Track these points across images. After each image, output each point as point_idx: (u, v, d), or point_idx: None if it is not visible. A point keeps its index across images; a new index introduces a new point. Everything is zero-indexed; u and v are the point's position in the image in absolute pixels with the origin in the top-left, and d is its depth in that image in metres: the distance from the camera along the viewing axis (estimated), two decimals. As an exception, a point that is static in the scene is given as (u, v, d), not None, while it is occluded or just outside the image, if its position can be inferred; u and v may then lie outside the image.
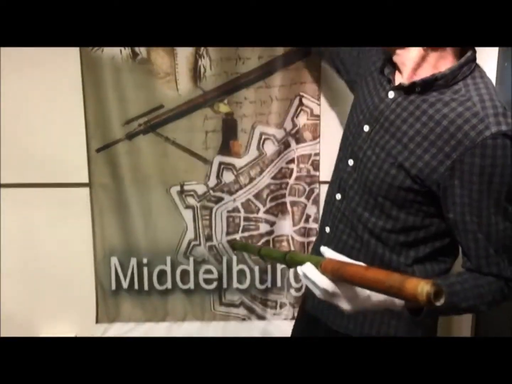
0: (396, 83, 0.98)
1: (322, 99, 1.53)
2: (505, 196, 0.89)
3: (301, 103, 1.53)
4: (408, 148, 0.94)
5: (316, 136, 1.55)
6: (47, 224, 1.58)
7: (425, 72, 0.93)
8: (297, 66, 1.50)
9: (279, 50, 1.49)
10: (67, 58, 1.44)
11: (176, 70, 1.48)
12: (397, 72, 0.99)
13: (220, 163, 1.55)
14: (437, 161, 0.91)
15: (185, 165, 1.54)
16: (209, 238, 1.60)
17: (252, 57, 1.49)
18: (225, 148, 1.54)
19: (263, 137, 1.54)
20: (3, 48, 1.43)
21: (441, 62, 0.92)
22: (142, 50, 1.46)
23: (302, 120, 1.54)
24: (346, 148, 1.09)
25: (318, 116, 1.54)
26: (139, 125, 1.50)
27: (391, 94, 0.98)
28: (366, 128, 1.02)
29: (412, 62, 0.93)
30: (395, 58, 0.97)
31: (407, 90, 0.95)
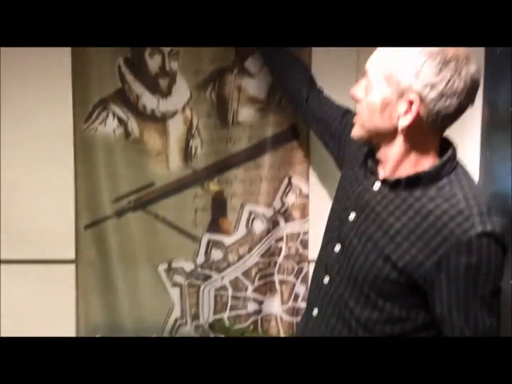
0: (380, 175, 1.00)
1: (311, 178, 1.56)
2: (490, 293, 0.90)
3: (290, 183, 1.56)
4: (395, 240, 0.94)
5: (305, 214, 1.57)
6: (28, 301, 1.53)
7: (407, 168, 0.95)
8: (286, 147, 1.54)
9: (269, 131, 1.53)
10: (60, 136, 1.47)
11: (168, 149, 1.51)
12: (380, 165, 1.01)
13: (209, 241, 1.55)
14: (424, 255, 0.91)
15: (173, 243, 1.53)
16: (195, 317, 1.57)
17: (242, 137, 1.53)
18: (214, 226, 1.55)
19: (252, 215, 1.55)
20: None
21: (423, 159, 0.94)
22: (135, 130, 1.49)
23: (291, 199, 1.56)
24: (333, 232, 1.09)
25: (307, 196, 1.56)
26: (129, 202, 1.51)
27: (376, 186, 0.99)
28: (352, 215, 1.03)
29: (395, 159, 0.95)
30: (378, 154, 1.00)
31: (392, 184, 0.97)
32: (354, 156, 1.11)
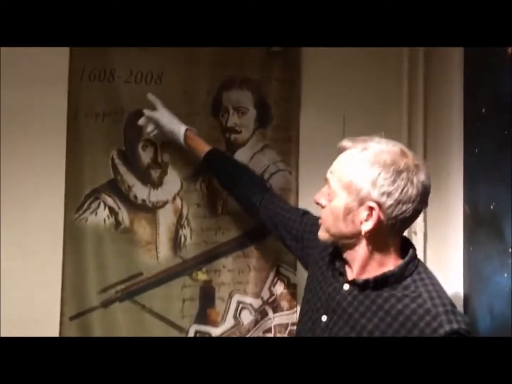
0: (348, 276, 1.02)
1: (299, 268, 1.57)
2: None
3: (278, 273, 1.57)
4: None
5: (293, 305, 1.56)
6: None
7: (373, 268, 0.99)
8: (274, 237, 1.55)
9: (257, 221, 1.55)
10: (50, 226, 1.48)
11: (158, 239, 1.52)
12: (347, 265, 1.04)
13: (196, 332, 1.53)
14: None
15: (160, 334, 1.50)
16: (180, 413, 1.51)
17: (231, 227, 1.56)
18: (202, 316, 1.53)
19: (240, 305, 1.54)
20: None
21: (387, 259, 0.99)
22: (125, 220, 1.51)
23: (279, 289, 1.57)
24: (305, 334, 1.09)
25: (295, 286, 1.57)
26: (116, 292, 1.50)
27: (346, 287, 1.01)
28: (324, 318, 1.03)
29: (361, 260, 0.99)
30: (344, 255, 1.03)
31: (361, 285, 0.99)
32: (319, 257, 1.14)
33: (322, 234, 1.04)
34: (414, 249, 1.01)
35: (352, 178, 0.95)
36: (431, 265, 1.53)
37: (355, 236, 0.98)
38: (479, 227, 1.25)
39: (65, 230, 1.48)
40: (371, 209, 0.94)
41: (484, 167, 1.27)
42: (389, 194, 0.92)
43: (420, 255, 1.59)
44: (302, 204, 1.61)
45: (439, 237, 1.44)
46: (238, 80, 1.57)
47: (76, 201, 1.49)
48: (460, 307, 1.29)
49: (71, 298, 1.48)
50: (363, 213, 0.94)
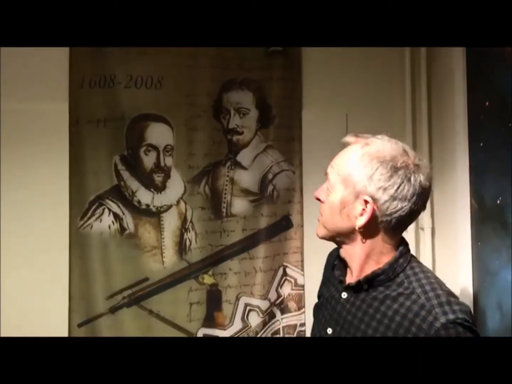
0: (348, 281, 1.01)
1: (306, 268, 1.56)
2: None
3: (285, 273, 1.56)
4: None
5: (300, 306, 1.55)
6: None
7: (371, 268, 0.98)
8: (280, 238, 1.56)
9: (262, 223, 1.55)
10: (55, 235, 1.48)
11: (163, 244, 1.52)
12: (348, 272, 1.03)
13: (204, 335, 1.52)
14: None
15: (168, 339, 1.50)
16: (191, 417, 1.51)
17: (236, 229, 1.55)
18: (209, 320, 1.53)
19: (248, 308, 1.53)
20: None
21: (383, 257, 0.97)
22: (130, 225, 1.51)
23: (287, 290, 1.56)
24: None
25: (302, 286, 1.55)
26: (123, 298, 1.50)
27: (344, 295, 1.01)
28: (329, 330, 1.03)
29: (358, 259, 0.98)
30: (343, 254, 1.01)
31: (355, 289, 0.98)
32: (326, 278, 1.13)
33: (320, 230, 1.04)
34: (406, 244, 1.00)
35: (350, 171, 0.95)
36: (439, 261, 1.54)
37: (351, 232, 0.97)
38: (486, 222, 1.23)
39: (71, 238, 1.49)
40: (365, 203, 0.93)
41: (490, 161, 1.24)
42: (384, 190, 0.92)
43: (428, 251, 1.60)
44: (307, 203, 1.60)
45: (447, 233, 1.42)
46: (238, 81, 1.56)
47: (81, 208, 1.49)
48: (470, 303, 1.27)
49: (78, 305, 1.48)
50: (358, 207, 0.94)
